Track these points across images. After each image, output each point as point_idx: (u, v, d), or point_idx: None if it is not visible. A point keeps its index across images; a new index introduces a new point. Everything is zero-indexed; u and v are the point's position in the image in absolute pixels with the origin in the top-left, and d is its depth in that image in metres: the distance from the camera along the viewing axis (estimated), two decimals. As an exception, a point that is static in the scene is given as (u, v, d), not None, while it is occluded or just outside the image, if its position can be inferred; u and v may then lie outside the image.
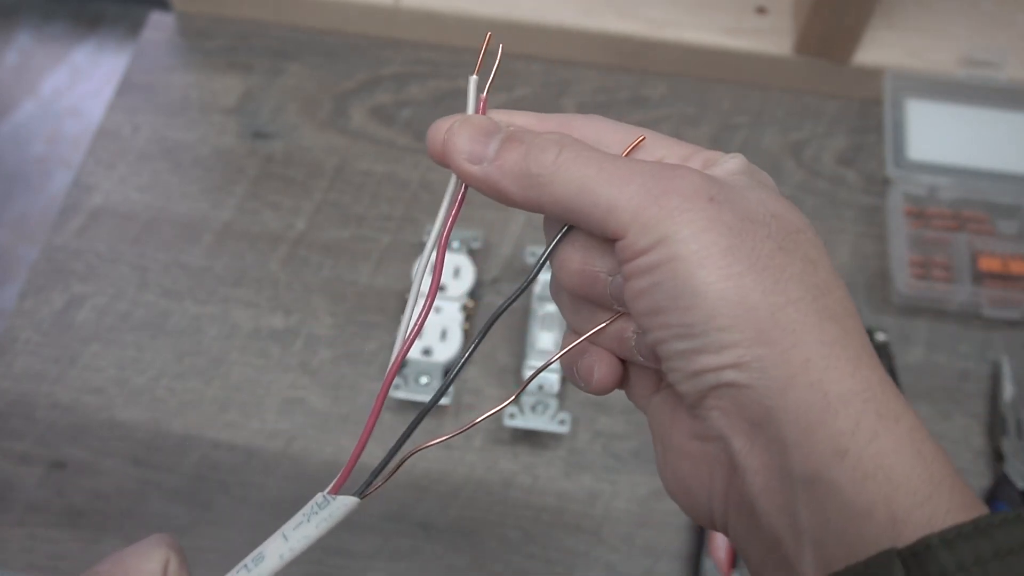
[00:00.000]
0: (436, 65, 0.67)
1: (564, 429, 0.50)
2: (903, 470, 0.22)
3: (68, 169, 1.38)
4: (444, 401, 0.52)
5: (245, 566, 0.26)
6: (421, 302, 0.27)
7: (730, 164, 0.26)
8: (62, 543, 0.50)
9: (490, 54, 0.27)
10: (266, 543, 0.26)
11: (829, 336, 0.23)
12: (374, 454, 0.28)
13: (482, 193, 0.26)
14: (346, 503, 0.26)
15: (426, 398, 0.51)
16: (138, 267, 0.59)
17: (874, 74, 0.64)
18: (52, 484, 0.52)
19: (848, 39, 0.62)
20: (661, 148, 0.27)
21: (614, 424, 0.54)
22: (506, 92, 0.65)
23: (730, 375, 0.23)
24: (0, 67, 1.49)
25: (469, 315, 0.55)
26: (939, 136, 0.63)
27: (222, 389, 0.55)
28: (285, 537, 0.26)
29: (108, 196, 0.61)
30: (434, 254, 0.27)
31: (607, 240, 0.25)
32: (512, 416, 0.51)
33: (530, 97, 0.65)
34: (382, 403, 0.27)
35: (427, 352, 0.53)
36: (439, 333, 0.53)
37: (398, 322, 0.56)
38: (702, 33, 0.65)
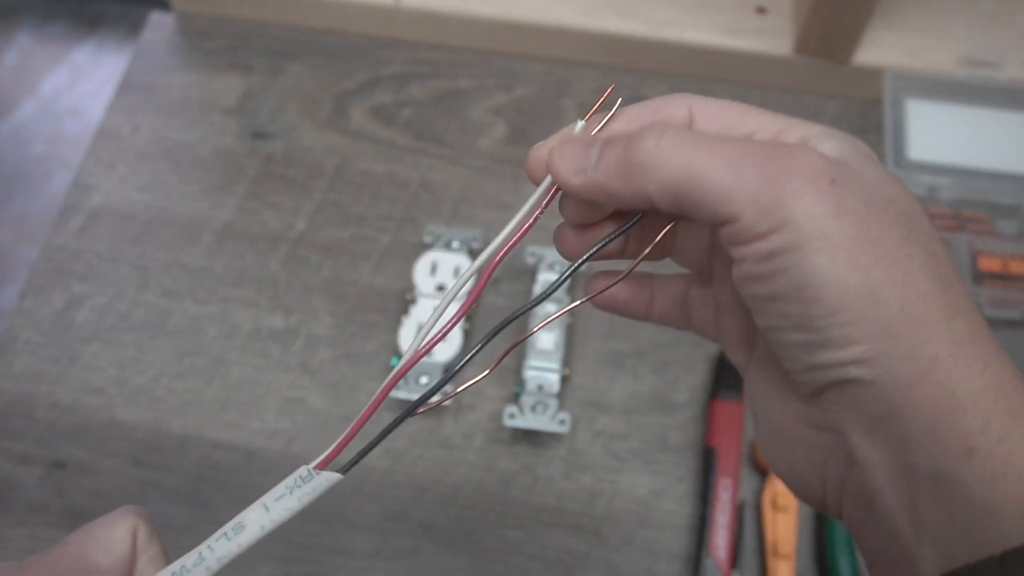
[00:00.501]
0: (436, 65, 0.67)
1: (564, 429, 0.50)
2: None
3: (68, 169, 1.38)
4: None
5: (225, 535, 0.26)
6: (455, 306, 0.27)
7: (834, 142, 0.25)
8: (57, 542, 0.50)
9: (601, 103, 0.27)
10: (246, 512, 0.26)
11: (958, 333, 0.22)
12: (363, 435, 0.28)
13: (592, 200, 0.26)
14: (330, 478, 0.26)
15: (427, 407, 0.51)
16: (138, 267, 0.59)
17: (874, 74, 0.64)
18: (52, 484, 0.52)
19: (848, 39, 0.62)
20: (751, 120, 0.25)
21: (614, 424, 0.54)
22: (505, 92, 0.65)
23: (854, 371, 0.22)
24: (0, 67, 1.49)
25: (469, 315, 0.55)
26: (939, 136, 0.63)
27: (222, 389, 0.55)
28: (266, 508, 0.26)
29: (108, 196, 0.61)
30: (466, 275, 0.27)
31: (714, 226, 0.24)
32: (512, 416, 0.51)
33: (530, 97, 0.65)
34: (389, 389, 0.26)
35: (427, 352, 0.52)
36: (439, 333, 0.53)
37: (398, 322, 0.56)
38: (702, 33, 0.65)
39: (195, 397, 0.54)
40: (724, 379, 0.53)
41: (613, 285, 0.28)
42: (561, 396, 0.53)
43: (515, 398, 0.53)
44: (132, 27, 1.50)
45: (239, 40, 0.68)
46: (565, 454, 0.53)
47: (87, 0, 1.54)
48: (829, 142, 0.24)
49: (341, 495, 0.51)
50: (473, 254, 0.57)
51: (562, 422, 0.51)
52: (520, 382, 0.52)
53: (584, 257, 0.27)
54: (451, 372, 0.26)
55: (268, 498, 0.26)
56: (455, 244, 0.56)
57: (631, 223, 0.26)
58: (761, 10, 0.66)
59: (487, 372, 0.28)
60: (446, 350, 0.53)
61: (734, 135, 0.25)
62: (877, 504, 0.23)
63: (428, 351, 0.26)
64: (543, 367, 0.52)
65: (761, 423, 0.27)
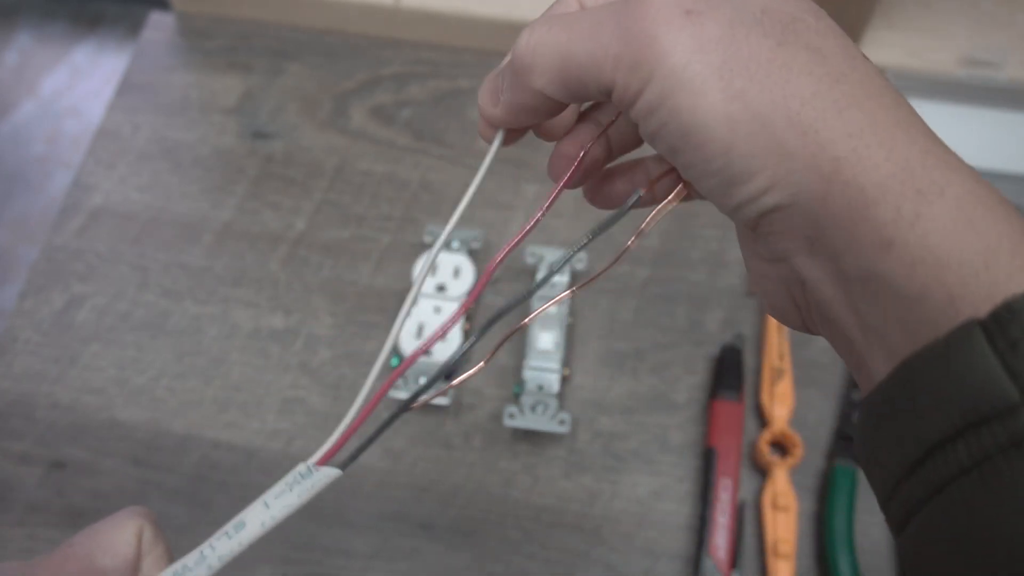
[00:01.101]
0: (436, 65, 0.67)
1: (564, 429, 0.50)
2: (951, 246, 0.20)
3: (68, 169, 1.38)
4: (444, 401, 0.52)
5: (226, 533, 0.26)
6: (452, 305, 0.27)
7: None
8: (62, 543, 0.50)
9: None
10: (247, 510, 0.26)
11: (854, 125, 0.21)
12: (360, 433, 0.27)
13: (523, 123, 0.26)
14: (329, 474, 0.26)
15: (426, 398, 0.51)
16: (138, 267, 0.59)
17: (874, 74, 0.64)
18: (52, 484, 0.52)
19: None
20: None
21: (614, 424, 0.54)
22: (506, 92, 0.65)
23: (769, 200, 0.22)
24: (0, 67, 1.49)
25: (469, 315, 0.55)
26: (939, 136, 0.63)
27: (222, 389, 0.55)
28: (267, 505, 0.26)
29: (108, 196, 0.61)
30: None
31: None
32: (512, 416, 0.51)
33: (530, 97, 0.65)
34: (387, 388, 0.26)
35: (427, 352, 0.53)
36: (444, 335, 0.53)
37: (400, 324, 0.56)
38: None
39: (195, 397, 0.54)
40: (724, 379, 0.53)
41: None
42: (561, 396, 0.53)
43: (515, 398, 0.53)
44: (132, 27, 1.50)
45: (239, 40, 0.68)
46: (565, 454, 0.53)
47: (87, 0, 1.54)
48: None
49: (341, 495, 0.51)
50: (473, 254, 0.57)
51: (562, 422, 0.51)
52: (520, 382, 0.52)
53: (582, 244, 0.27)
54: (446, 366, 0.26)
55: (268, 496, 0.26)
56: (455, 244, 0.56)
57: (627, 207, 0.26)
58: (761, 10, 0.66)
59: (482, 363, 0.28)
60: (446, 350, 0.53)
61: None
62: (831, 316, 0.23)
63: (427, 348, 0.26)
64: (543, 367, 0.52)
65: (748, 271, 0.27)
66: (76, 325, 0.57)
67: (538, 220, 0.27)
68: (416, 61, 0.67)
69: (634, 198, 0.26)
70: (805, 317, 0.25)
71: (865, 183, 0.21)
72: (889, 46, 0.65)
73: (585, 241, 0.26)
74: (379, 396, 0.26)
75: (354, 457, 0.27)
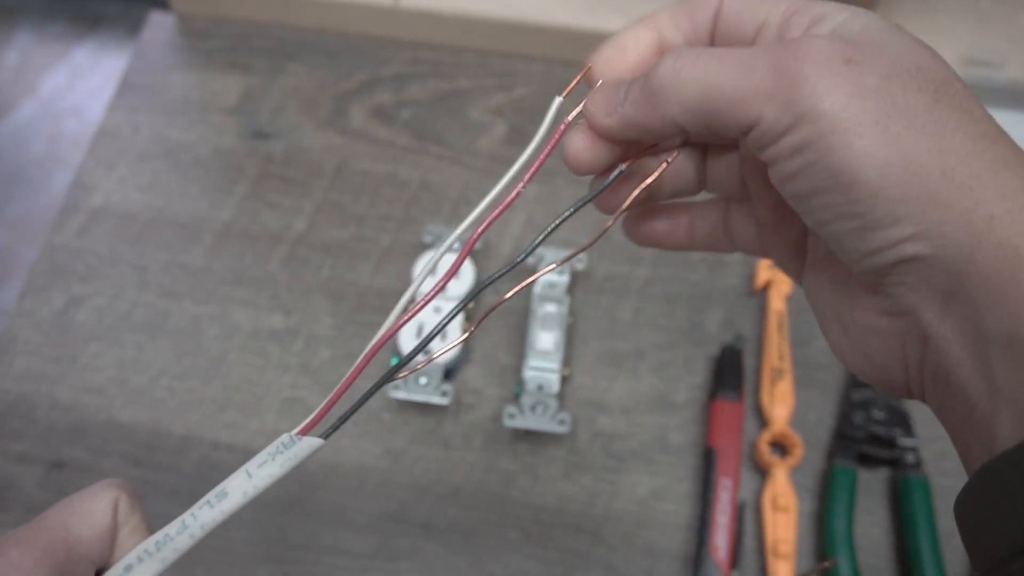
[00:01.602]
0: (436, 65, 0.67)
1: (564, 429, 0.50)
2: None
3: (68, 169, 1.38)
4: (444, 401, 0.52)
5: (208, 502, 0.26)
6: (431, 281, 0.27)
7: (848, 16, 0.24)
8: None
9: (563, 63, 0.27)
10: (228, 480, 0.26)
11: (1008, 187, 0.21)
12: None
13: (630, 139, 0.26)
14: (311, 444, 0.26)
15: (426, 398, 0.51)
16: (138, 267, 0.59)
17: (874, 74, 0.64)
18: (52, 484, 0.52)
19: (848, 39, 0.62)
20: (761, 8, 0.25)
21: (614, 424, 0.54)
22: (505, 92, 0.65)
23: (910, 248, 0.22)
24: (0, 67, 1.49)
25: (469, 315, 0.55)
26: None
27: (222, 389, 0.55)
28: (249, 475, 0.26)
29: (108, 196, 0.61)
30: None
31: (741, 135, 0.24)
32: (512, 416, 0.51)
33: (530, 97, 0.65)
34: (371, 356, 0.27)
35: (427, 352, 0.53)
36: (440, 337, 0.53)
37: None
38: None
39: (195, 397, 0.54)
40: (724, 379, 0.53)
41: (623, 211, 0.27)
42: (561, 396, 0.53)
43: (515, 398, 0.53)
44: (132, 27, 1.50)
45: (239, 40, 0.68)
46: (565, 454, 0.53)
47: (87, 0, 1.54)
48: (842, 15, 0.24)
49: (341, 495, 0.51)
50: (473, 254, 0.57)
51: (562, 422, 0.51)
52: (520, 382, 0.52)
53: (555, 225, 0.27)
54: (431, 334, 0.26)
55: (250, 465, 0.26)
56: (455, 244, 0.56)
57: (616, 174, 0.26)
58: (761, 10, 0.66)
59: (467, 334, 0.28)
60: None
61: (746, 26, 0.25)
62: (953, 378, 0.23)
63: (410, 319, 0.26)
64: (543, 367, 0.52)
65: (830, 324, 0.27)
66: (76, 325, 0.57)
67: (519, 192, 0.27)
68: (416, 61, 0.67)
69: (616, 173, 0.27)
70: (912, 377, 0.25)
71: (1020, 245, 0.21)
72: (889, 46, 0.65)
73: (558, 222, 0.27)
74: (361, 367, 0.27)
75: (336, 427, 0.27)
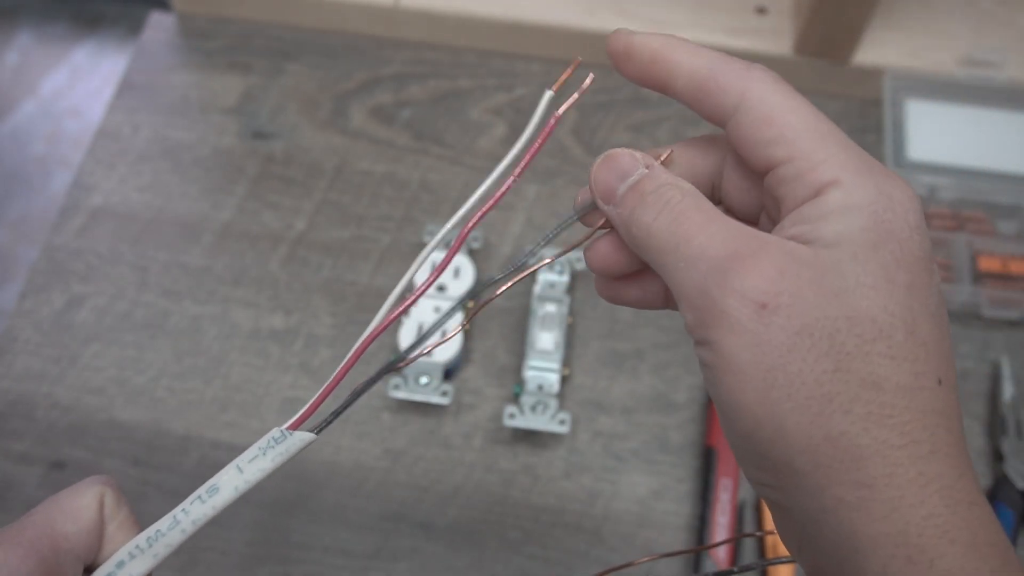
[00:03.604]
0: (436, 65, 0.67)
1: (564, 429, 0.50)
2: None
3: (68, 169, 1.38)
4: (443, 401, 0.52)
5: (199, 497, 0.26)
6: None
7: (864, 195, 0.23)
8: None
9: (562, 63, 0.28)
10: (219, 475, 0.26)
11: (868, 476, 0.21)
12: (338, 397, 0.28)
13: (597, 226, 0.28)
14: (303, 438, 0.26)
15: (426, 398, 0.51)
16: (138, 267, 0.59)
17: (874, 74, 0.64)
18: (52, 484, 0.52)
19: (848, 39, 0.62)
20: (800, 143, 0.24)
21: (614, 424, 0.54)
22: (505, 92, 0.65)
23: (771, 495, 0.23)
24: (0, 67, 1.49)
25: (468, 315, 0.55)
26: (939, 136, 0.63)
27: (222, 389, 0.55)
28: (240, 469, 0.26)
29: (108, 196, 0.61)
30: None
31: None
32: (512, 416, 0.51)
33: (529, 97, 0.65)
34: (363, 350, 0.26)
35: (427, 353, 0.52)
36: (439, 333, 0.53)
37: (398, 322, 0.56)
38: (702, 33, 0.65)
39: (195, 397, 0.54)
40: (724, 379, 0.53)
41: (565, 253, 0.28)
42: (561, 396, 0.53)
43: (515, 398, 0.53)
44: (132, 27, 1.50)
45: (239, 40, 0.68)
46: (565, 454, 0.53)
47: (87, 0, 1.54)
48: (858, 194, 0.23)
49: (341, 495, 0.51)
50: (473, 254, 0.57)
51: (562, 422, 0.51)
52: (520, 382, 0.52)
53: (541, 243, 0.27)
54: (429, 331, 0.26)
55: (241, 460, 0.26)
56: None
57: (572, 218, 0.28)
58: (761, 10, 0.66)
59: (464, 325, 0.28)
60: (446, 350, 0.53)
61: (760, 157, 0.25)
62: None
63: (401, 313, 0.26)
64: (543, 367, 0.52)
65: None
66: (76, 325, 0.57)
67: (510, 186, 0.27)
68: (416, 61, 0.67)
69: (574, 218, 0.28)
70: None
71: (859, 531, 0.21)
72: (889, 46, 0.65)
73: (542, 242, 0.28)
74: (352, 361, 0.26)
75: (329, 421, 0.27)
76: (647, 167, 0.26)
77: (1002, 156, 0.62)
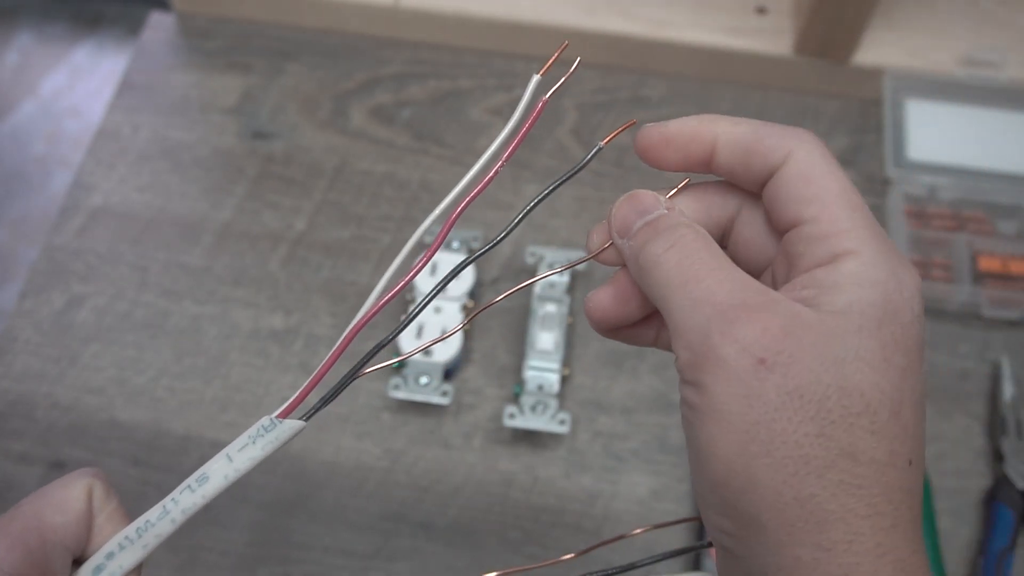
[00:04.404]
0: (436, 65, 0.67)
1: (564, 429, 0.50)
2: None
3: (68, 169, 1.38)
4: (443, 401, 0.52)
5: (189, 487, 0.26)
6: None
7: (873, 293, 0.23)
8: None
9: (564, 63, 0.28)
10: (209, 464, 0.26)
11: (830, 540, 0.22)
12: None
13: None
14: (293, 426, 0.26)
15: (426, 398, 0.51)
16: (138, 267, 0.59)
17: (874, 74, 0.64)
18: (52, 484, 0.52)
19: (848, 39, 0.62)
20: (828, 213, 0.24)
21: (614, 424, 0.54)
22: (505, 92, 0.65)
23: (726, 540, 0.24)
24: (0, 67, 1.49)
25: (468, 313, 0.55)
26: (939, 136, 0.63)
27: (222, 389, 0.55)
28: (230, 458, 0.26)
29: (108, 196, 0.61)
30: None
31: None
32: (512, 416, 0.51)
33: (530, 97, 0.65)
34: (351, 338, 0.27)
35: (427, 352, 0.53)
36: (439, 333, 0.53)
37: (398, 322, 0.56)
38: (702, 33, 0.65)
39: (195, 397, 0.54)
40: (724, 379, 0.53)
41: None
42: (561, 396, 0.53)
43: (515, 398, 0.53)
44: (132, 27, 1.50)
45: (239, 40, 0.68)
46: (565, 454, 0.53)
47: (87, 0, 1.54)
48: (873, 270, 0.23)
49: (341, 495, 0.51)
50: (473, 254, 0.57)
51: (562, 422, 0.51)
52: (520, 382, 0.52)
53: (523, 212, 0.27)
54: (412, 314, 0.26)
55: (231, 448, 0.26)
56: (455, 244, 0.56)
57: (595, 151, 0.28)
58: (761, 10, 0.66)
59: (459, 327, 0.28)
60: (446, 350, 0.53)
61: (810, 220, 0.25)
62: None
63: (389, 301, 0.27)
64: (543, 367, 0.52)
65: None
66: (76, 325, 0.57)
67: (497, 171, 0.28)
68: (416, 61, 0.67)
69: (594, 151, 0.28)
70: None
71: None
72: (889, 46, 0.65)
73: (527, 210, 0.29)
74: (341, 348, 0.26)
75: (317, 408, 0.27)
76: (668, 208, 0.27)
77: (1002, 156, 0.62)
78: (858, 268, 0.23)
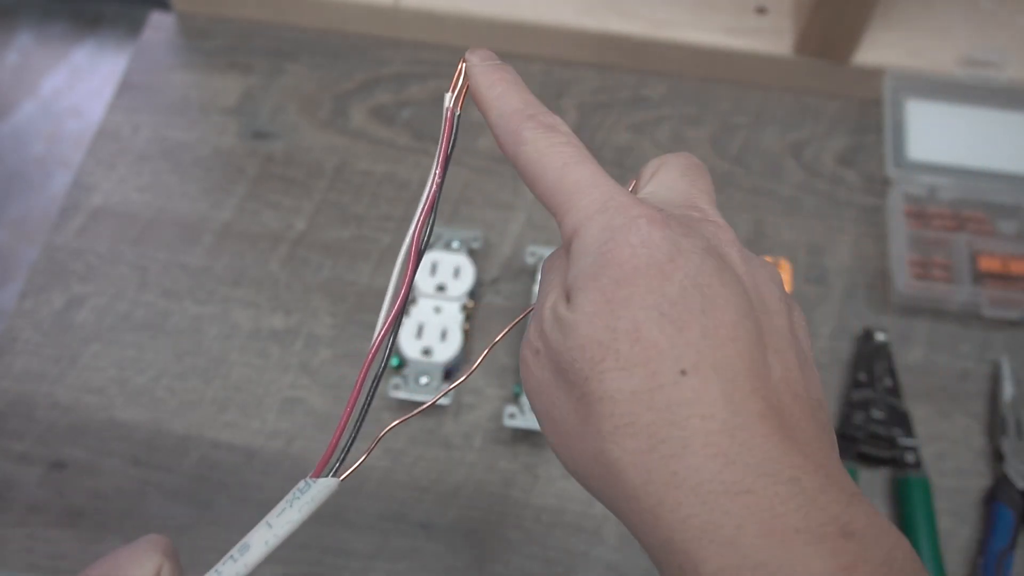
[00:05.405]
0: (436, 65, 0.67)
1: (564, 429, 0.50)
2: None
3: (68, 169, 1.38)
4: (444, 401, 0.52)
5: (232, 557, 0.26)
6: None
7: (581, 265, 0.24)
8: (62, 543, 0.50)
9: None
10: (251, 533, 0.27)
11: (629, 487, 0.22)
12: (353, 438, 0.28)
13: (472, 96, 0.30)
14: (328, 485, 0.27)
15: (426, 398, 0.51)
16: (138, 267, 0.59)
17: (874, 74, 0.64)
18: (52, 484, 0.52)
19: (848, 39, 0.62)
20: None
21: (614, 424, 0.53)
22: (506, 92, 0.65)
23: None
24: (0, 67, 1.49)
25: (469, 315, 0.55)
26: (939, 136, 0.63)
27: (222, 389, 0.55)
28: (269, 525, 0.27)
29: (108, 196, 0.61)
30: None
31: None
32: (512, 416, 0.51)
33: (530, 97, 0.65)
34: (361, 384, 0.27)
35: (427, 352, 0.53)
36: (439, 333, 0.53)
37: (398, 323, 0.56)
38: (702, 33, 0.65)
39: (195, 397, 0.54)
40: (724, 379, 0.53)
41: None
42: (561, 396, 0.53)
43: (515, 398, 0.53)
44: (132, 27, 1.50)
45: (239, 40, 0.68)
46: (565, 454, 0.53)
47: (87, 0, 1.54)
48: (587, 239, 0.25)
49: (341, 495, 0.51)
50: (473, 254, 0.57)
51: (562, 422, 0.50)
52: (520, 382, 0.52)
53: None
54: (390, 318, 0.26)
55: (270, 516, 0.27)
56: (455, 244, 0.56)
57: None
58: (761, 10, 0.66)
59: (478, 361, 0.28)
60: (446, 350, 0.53)
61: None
62: None
63: (394, 321, 0.27)
64: (543, 367, 0.52)
65: None
66: (76, 325, 0.57)
67: (436, 187, 0.28)
68: (416, 61, 0.67)
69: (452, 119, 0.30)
70: None
71: (646, 545, 0.22)
72: (889, 46, 0.65)
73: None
74: (356, 396, 0.27)
75: (341, 460, 0.27)
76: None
77: (1002, 156, 0.62)
78: (578, 246, 0.25)
